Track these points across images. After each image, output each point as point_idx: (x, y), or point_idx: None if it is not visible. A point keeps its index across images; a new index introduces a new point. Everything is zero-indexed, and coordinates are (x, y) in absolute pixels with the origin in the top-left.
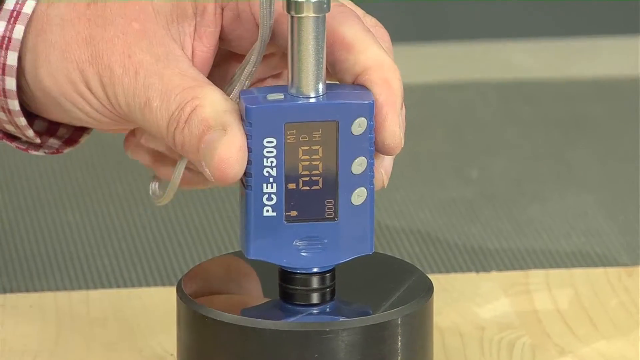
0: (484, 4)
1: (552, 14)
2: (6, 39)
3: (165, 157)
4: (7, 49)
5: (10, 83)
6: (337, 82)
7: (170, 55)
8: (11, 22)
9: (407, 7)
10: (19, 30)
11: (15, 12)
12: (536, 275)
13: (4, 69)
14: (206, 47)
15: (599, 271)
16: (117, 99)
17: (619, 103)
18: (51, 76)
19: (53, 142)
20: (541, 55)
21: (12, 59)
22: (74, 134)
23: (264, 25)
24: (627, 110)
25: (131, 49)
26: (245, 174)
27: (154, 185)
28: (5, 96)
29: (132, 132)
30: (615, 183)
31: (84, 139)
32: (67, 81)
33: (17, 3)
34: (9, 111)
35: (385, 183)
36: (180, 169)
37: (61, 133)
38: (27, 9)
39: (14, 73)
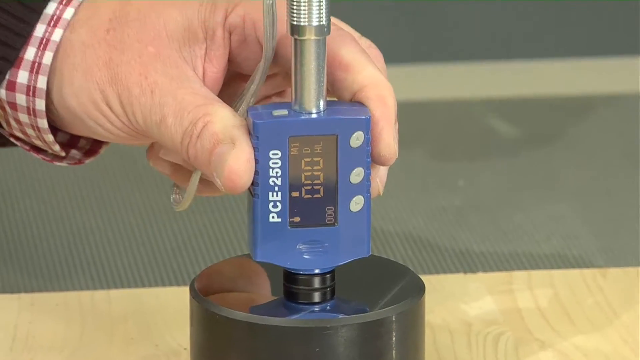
0: (471, 28)
1: (533, 37)
2: (36, 64)
3: (182, 167)
4: (37, 73)
5: (40, 104)
6: (336, 99)
7: (183, 76)
8: (41, 49)
9: (399, 31)
10: (48, 57)
11: (44, 40)
12: (519, 276)
13: (34, 92)
14: (216, 68)
15: (576, 272)
16: (135, 117)
17: (593, 119)
18: (75, 96)
19: (75, 153)
20: (521, 75)
21: (42, 82)
22: (94, 144)
23: (266, 48)
24: (600, 125)
25: (147, 71)
26: (252, 183)
27: (174, 193)
28: (35, 115)
29: (155, 143)
30: (590, 192)
31: (103, 150)
32: (89, 101)
33: (46, 31)
34: (38, 128)
35: (381, 191)
36: (195, 179)
37: (82, 144)
38: (56, 36)
39: (44, 95)
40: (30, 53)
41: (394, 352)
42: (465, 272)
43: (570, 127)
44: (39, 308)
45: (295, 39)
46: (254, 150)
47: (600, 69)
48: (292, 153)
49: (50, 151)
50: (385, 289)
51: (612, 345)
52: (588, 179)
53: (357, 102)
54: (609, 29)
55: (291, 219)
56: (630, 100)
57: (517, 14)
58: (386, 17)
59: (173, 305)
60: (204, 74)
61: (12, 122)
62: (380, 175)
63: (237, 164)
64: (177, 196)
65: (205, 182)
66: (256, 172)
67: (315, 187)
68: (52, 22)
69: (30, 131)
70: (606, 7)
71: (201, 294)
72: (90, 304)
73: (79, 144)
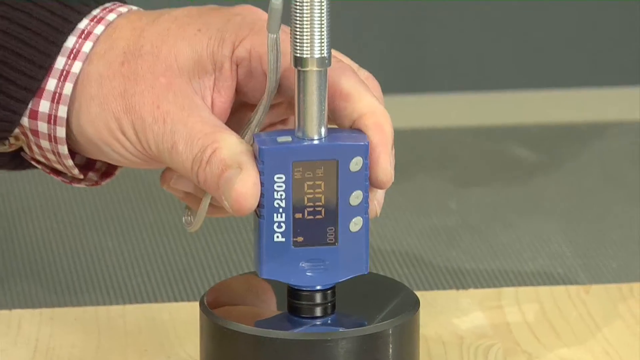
0: (458, 61)
1: (516, 69)
2: (57, 94)
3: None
4: (58, 103)
5: (61, 132)
6: (337, 127)
7: (193, 105)
8: (61, 80)
9: (395, 62)
10: (68, 88)
11: (65, 72)
12: (507, 292)
13: (55, 120)
14: (224, 98)
15: (561, 289)
16: (149, 143)
17: (577, 146)
18: (92, 124)
19: (92, 175)
20: (509, 104)
21: (62, 111)
22: (110, 167)
23: (270, 79)
24: (584, 152)
25: (159, 101)
26: (258, 205)
27: (186, 215)
28: (56, 142)
29: (168, 170)
30: (574, 214)
31: (118, 171)
32: (105, 129)
33: (66, 64)
34: (58, 154)
35: (378, 212)
36: (205, 202)
37: (98, 166)
38: (75, 69)
39: (64, 123)
40: (51, 84)
41: None
42: (457, 288)
43: (556, 153)
44: (58, 322)
45: (298, 70)
46: (260, 175)
47: (586, 100)
48: (295, 177)
49: (69, 174)
50: (383, 304)
51: (594, 357)
52: (572, 202)
53: (356, 129)
54: (596, 60)
55: (294, 239)
56: (613, 129)
57: (505, 46)
58: (384, 49)
59: (184, 319)
60: (212, 103)
61: (34, 148)
62: (377, 197)
63: (244, 187)
64: (189, 218)
65: (214, 206)
66: (262, 195)
67: (317, 209)
68: (72, 55)
69: (51, 156)
70: (597, 40)
71: (210, 308)
72: (106, 319)
73: (95, 167)
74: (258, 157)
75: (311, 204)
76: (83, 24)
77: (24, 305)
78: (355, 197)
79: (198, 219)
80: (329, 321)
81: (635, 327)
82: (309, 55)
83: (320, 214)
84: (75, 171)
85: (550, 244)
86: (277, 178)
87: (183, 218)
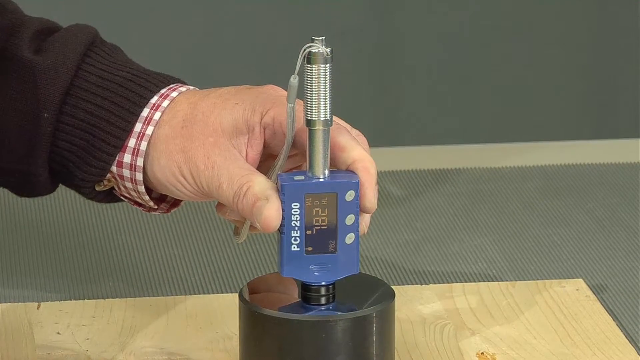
0: (434, 118)
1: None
2: (136, 150)
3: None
4: (137, 155)
5: (139, 176)
6: (336, 169)
7: (232, 156)
8: (139, 139)
9: (379, 124)
10: (143, 145)
11: (141, 134)
12: (457, 287)
13: (135, 168)
14: (255, 152)
15: (494, 284)
16: (202, 184)
17: (502, 183)
18: (161, 171)
19: (164, 205)
20: (450, 154)
21: (140, 161)
22: (176, 200)
23: (288, 138)
24: (507, 189)
25: (209, 154)
26: (280, 225)
27: (235, 232)
28: (136, 183)
29: (221, 203)
30: (503, 232)
31: (182, 203)
32: (171, 174)
33: (142, 128)
34: (138, 191)
35: (365, 230)
36: (247, 223)
37: (168, 199)
38: (149, 131)
39: (141, 170)
40: (131, 142)
41: (374, 337)
42: (421, 284)
43: (489, 190)
44: (139, 307)
45: (309, 129)
46: (282, 203)
47: (508, 152)
48: (307, 205)
49: (147, 205)
50: (369, 295)
51: (518, 332)
52: (501, 222)
53: (350, 171)
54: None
55: (306, 249)
56: (524, 172)
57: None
58: (371, 114)
59: (228, 305)
60: (247, 155)
61: (122, 187)
62: (365, 219)
63: (270, 213)
64: (237, 234)
65: (253, 224)
66: (283, 218)
67: (322, 227)
68: (146, 122)
69: (133, 193)
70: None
71: (246, 298)
72: (172, 305)
73: (166, 200)
74: (280, 191)
75: (318, 223)
76: (154, 99)
77: (114, 296)
78: (349, 219)
79: (242, 234)
80: (330, 307)
81: (547, 311)
82: (316, 118)
83: (325, 231)
84: (151, 203)
85: (487, 253)
86: (294, 205)
87: (233, 234)
